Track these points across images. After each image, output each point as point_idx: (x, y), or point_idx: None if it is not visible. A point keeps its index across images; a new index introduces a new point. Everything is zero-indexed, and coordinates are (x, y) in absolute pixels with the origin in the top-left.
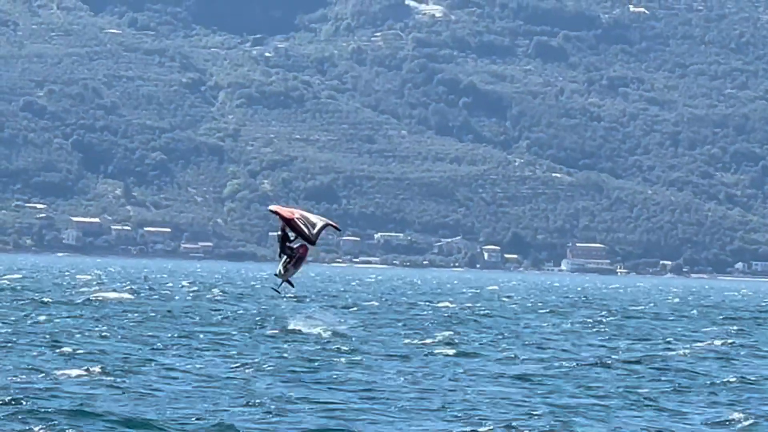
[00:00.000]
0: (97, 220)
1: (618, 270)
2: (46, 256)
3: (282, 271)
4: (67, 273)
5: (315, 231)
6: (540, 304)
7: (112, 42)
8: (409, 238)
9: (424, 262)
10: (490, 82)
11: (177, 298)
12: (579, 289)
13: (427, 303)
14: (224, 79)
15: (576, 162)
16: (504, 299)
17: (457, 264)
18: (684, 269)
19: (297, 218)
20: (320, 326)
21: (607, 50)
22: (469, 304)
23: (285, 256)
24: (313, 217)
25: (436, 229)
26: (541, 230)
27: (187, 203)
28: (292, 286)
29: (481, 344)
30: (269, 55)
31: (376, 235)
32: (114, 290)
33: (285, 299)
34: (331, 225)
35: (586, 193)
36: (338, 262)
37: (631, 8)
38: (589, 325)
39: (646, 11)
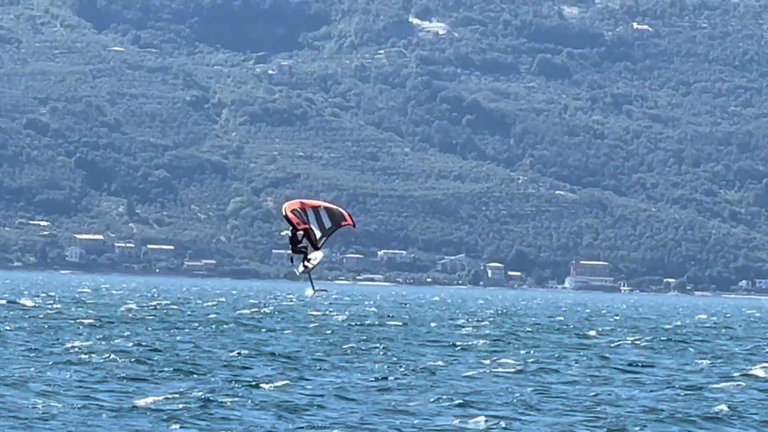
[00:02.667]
0: (100, 237)
1: (622, 288)
2: (49, 273)
3: (303, 269)
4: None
5: (319, 237)
6: None
7: (115, 59)
8: (412, 255)
9: (428, 280)
10: (493, 100)
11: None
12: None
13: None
14: (228, 96)
15: (579, 179)
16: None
17: (460, 281)
18: (688, 287)
19: (309, 229)
20: None
21: (610, 68)
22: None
23: (302, 254)
24: (326, 218)
25: (439, 246)
26: (544, 248)
27: (191, 221)
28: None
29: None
30: (273, 72)
31: (379, 253)
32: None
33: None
34: (347, 224)
35: (589, 210)
36: (341, 280)
37: (635, 26)
38: None
39: (650, 29)
